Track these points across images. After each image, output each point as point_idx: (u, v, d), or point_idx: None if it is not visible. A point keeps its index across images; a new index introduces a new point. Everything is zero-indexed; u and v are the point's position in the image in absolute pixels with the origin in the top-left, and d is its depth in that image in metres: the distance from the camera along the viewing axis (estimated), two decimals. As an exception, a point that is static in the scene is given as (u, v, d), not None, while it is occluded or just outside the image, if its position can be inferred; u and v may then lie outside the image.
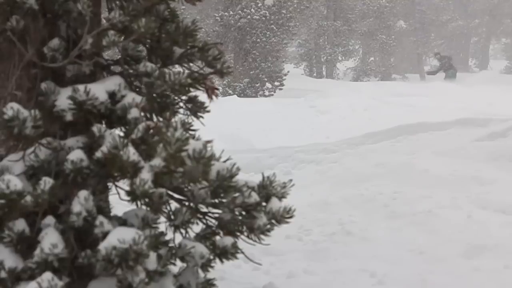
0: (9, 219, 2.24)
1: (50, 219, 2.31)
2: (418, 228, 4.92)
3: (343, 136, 9.13)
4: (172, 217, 2.60)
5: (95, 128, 2.34)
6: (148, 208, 2.34)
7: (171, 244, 2.55)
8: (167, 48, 2.70)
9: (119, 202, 2.56)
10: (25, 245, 2.26)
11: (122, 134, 2.36)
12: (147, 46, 2.70)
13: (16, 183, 2.16)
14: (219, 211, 2.62)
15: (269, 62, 19.36)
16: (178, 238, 2.60)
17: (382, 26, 29.14)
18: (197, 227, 2.66)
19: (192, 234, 2.64)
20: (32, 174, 2.35)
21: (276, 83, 19.63)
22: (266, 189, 2.62)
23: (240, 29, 18.82)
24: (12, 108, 2.20)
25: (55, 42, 2.51)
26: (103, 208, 2.42)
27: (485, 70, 30.67)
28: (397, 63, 30.93)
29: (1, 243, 2.25)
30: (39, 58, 2.49)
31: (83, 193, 2.28)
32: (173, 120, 2.52)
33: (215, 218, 2.65)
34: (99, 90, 2.41)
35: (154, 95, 2.57)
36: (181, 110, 2.80)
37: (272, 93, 19.35)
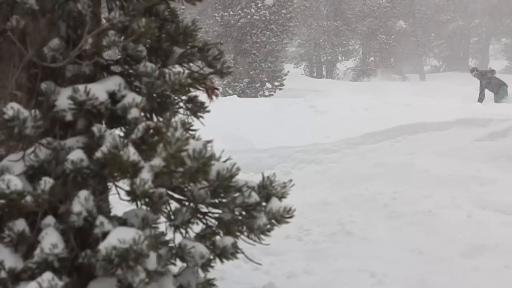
0: (9, 219, 2.24)
1: (50, 219, 2.31)
2: (418, 228, 4.92)
3: (343, 136, 9.13)
4: (172, 217, 2.60)
5: (95, 128, 2.34)
6: (148, 208, 2.34)
7: (171, 244, 2.55)
8: (167, 48, 2.70)
9: (119, 202, 2.55)
10: (25, 245, 2.26)
11: (122, 134, 2.36)
12: (147, 46, 2.70)
13: (16, 183, 2.16)
14: (219, 211, 2.62)
15: (269, 62, 19.39)
16: (178, 238, 2.60)
17: (382, 26, 29.15)
18: (197, 227, 2.66)
19: (192, 234, 2.64)
20: (32, 174, 2.35)
21: (276, 83, 19.66)
22: (266, 189, 2.62)
23: (240, 29, 18.83)
24: (12, 108, 2.19)
25: (55, 42, 2.51)
26: (103, 208, 2.42)
27: None
28: (397, 63, 30.94)
29: (1, 243, 2.25)
30: (39, 58, 2.49)
31: (83, 193, 2.27)
32: (173, 120, 2.52)
33: (215, 218, 2.65)
34: (99, 90, 2.41)
35: (154, 95, 2.57)
36: (181, 110, 2.80)
37: (272, 93, 19.38)
